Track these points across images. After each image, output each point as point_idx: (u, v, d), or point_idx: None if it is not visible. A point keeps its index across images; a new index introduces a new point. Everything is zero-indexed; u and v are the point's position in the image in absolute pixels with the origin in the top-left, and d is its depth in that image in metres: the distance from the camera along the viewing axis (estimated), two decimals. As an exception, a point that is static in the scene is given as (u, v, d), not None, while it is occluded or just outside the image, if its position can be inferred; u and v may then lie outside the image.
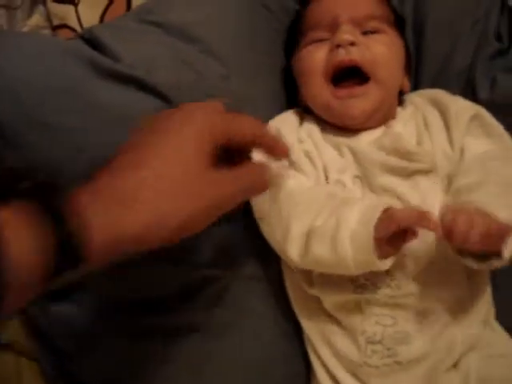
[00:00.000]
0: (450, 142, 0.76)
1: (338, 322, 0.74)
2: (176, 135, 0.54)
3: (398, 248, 0.65)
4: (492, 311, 0.76)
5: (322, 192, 0.74)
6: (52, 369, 0.80)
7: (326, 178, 0.77)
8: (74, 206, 0.46)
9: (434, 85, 0.86)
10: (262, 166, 0.60)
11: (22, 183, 0.46)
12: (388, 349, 0.70)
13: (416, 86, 0.89)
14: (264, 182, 0.60)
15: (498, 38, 0.87)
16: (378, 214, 0.63)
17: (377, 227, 0.62)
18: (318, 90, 0.78)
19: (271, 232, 0.74)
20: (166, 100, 0.74)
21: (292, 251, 0.69)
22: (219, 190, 0.54)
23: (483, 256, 0.63)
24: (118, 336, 0.77)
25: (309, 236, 0.68)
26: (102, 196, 0.48)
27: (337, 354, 0.73)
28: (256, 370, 0.78)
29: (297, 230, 0.69)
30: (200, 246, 0.77)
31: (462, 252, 0.63)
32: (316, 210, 0.70)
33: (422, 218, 0.62)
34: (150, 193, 0.50)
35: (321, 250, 0.66)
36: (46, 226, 0.44)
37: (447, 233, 0.60)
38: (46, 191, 0.46)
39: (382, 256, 0.64)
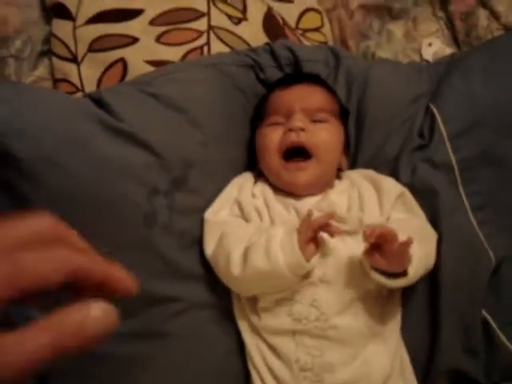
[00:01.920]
0: (381, 211, 0.93)
1: (275, 351, 0.87)
2: None
3: (316, 250, 0.81)
4: (404, 351, 0.91)
5: (252, 226, 0.90)
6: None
7: None
8: None
9: (368, 167, 1.02)
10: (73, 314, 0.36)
11: None
12: (316, 375, 0.84)
13: (354, 166, 1.05)
14: (73, 335, 0.36)
15: (421, 134, 1.03)
16: (297, 226, 0.81)
17: (298, 231, 0.79)
18: (273, 163, 0.96)
19: (217, 267, 0.89)
20: (157, 155, 0.90)
21: (234, 269, 0.84)
22: None
23: (393, 275, 0.81)
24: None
25: (246, 252, 0.83)
26: None
27: (274, 376, 0.87)
28: None
29: (236, 254, 0.84)
30: (165, 274, 0.89)
31: (377, 270, 0.81)
32: (249, 236, 0.85)
33: (327, 224, 0.80)
34: None
35: (257, 261, 0.81)
36: None
37: (367, 237, 0.77)
38: None
39: (307, 258, 0.80)
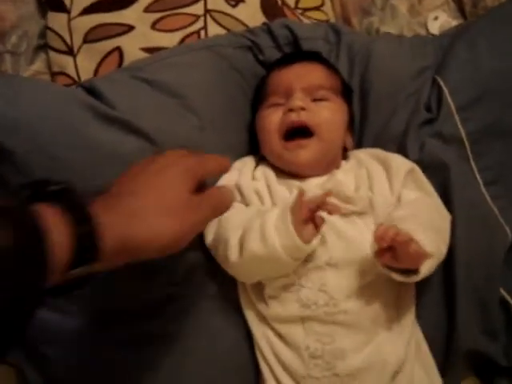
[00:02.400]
0: (391, 189, 0.89)
1: (284, 339, 0.84)
2: (163, 174, 0.64)
3: (316, 231, 0.77)
4: (419, 333, 0.87)
5: (253, 209, 0.87)
6: (36, 374, 0.87)
7: None
8: (91, 213, 0.53)
9: (374, 145, 0.98)
10: (222, 189, 0.74)
11: (51, 187, 0.55)
12: (327, 363, 0.80)
13: (360, 145, 1.01)
14: (227, 202, 0.71)
15: (428, 108, 0.99)
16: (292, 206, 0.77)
17: (292, 212, 0.76)
18: (274, 144, 0.92)
19: (217, 254, 0.86)
20: (151, 142, 0.87)
21: (231, 256, 0.81)
22: (202, 212, 0.65)
23: (405, 271, 0.77)
24: (97, 344, 0.84)
25: (242, 237, 0.80)
26: (110, 211, 0.56)
27: (283, 364, 0.83)
28: (210, 382, 0.87)
29: (234, 239, 0.81)
30: (167, 267, 0.87)
31: (389, 268, 0.77)
32: (247, 221, 0.82)
33: (323, 202, 0.76)
34: (143, 216, 0.59)
35: (253, 246, 0.78)
36: (70, 225, 0.51)
37: (378, 239, 0.74)
38: (70, 196, 0.54)
39: (305, 240, 0.76)
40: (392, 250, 0.74)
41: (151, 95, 0.92)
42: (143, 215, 0.59)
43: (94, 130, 0.84)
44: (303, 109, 0.90)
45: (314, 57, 1.01)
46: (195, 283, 0.89)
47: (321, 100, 0.93)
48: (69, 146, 0.82)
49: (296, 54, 1.05)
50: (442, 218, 0.87)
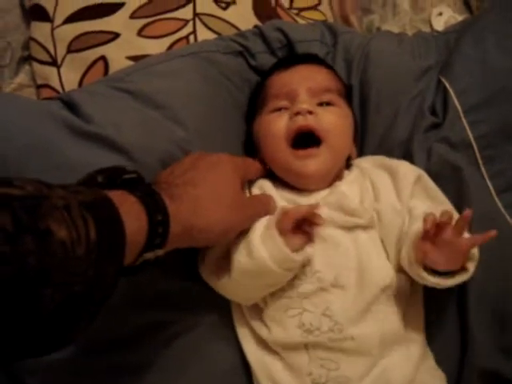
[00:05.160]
0: (399, 198, 0.82)
1: (285, 363, 0.79)
2: (215, 170, 0.71)
3: (304, 240, 0.76)
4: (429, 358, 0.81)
5: None
6: None
7: None
8: (162, 202, 0.59)
9: (376, 152, 0.92)
10: (268, 195, 0.82)
11: (125, 175, 0.61)
12: None
13: (361, 153, 0.94)
14: (270, 207, 0.78)
15: (433, 112, 0.92)
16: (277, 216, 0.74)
17: (278, 224, 0.73)
18: (280, 151, 0.85)
19: (211, 276, 0.81)
20: (131, 158, 0.80)
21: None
22: (249, 210, 0.74)
23: (448, 273, 0.72)
24: (83, 374, 0.79)
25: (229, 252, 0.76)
26: (176, 200, 0.61)
27: None
28: None
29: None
30: (157, 293, 0.82)
31: (427, 270, 0.72)
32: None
33: (310, 211, 0.75)
34: (204, 205, 0.65)
35: (240, 260, 0.74)
36: (147, 213, 0.56)
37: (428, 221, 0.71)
38: (144, 185, 0.61)
39: (295, 249, 0.73)
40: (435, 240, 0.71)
41: (133, 107, 0.86)
42: (202, 205, 0.65)
43: (68, 148, 0.78)
44: (310, 112, 0.83)
45: (316, 59, 0.95)
46: (190, 309, 0.85)
47: (328, 104, 0.87)
48: (39, 168, 0.76)
49: (297, 56, 0.99)
50: None
